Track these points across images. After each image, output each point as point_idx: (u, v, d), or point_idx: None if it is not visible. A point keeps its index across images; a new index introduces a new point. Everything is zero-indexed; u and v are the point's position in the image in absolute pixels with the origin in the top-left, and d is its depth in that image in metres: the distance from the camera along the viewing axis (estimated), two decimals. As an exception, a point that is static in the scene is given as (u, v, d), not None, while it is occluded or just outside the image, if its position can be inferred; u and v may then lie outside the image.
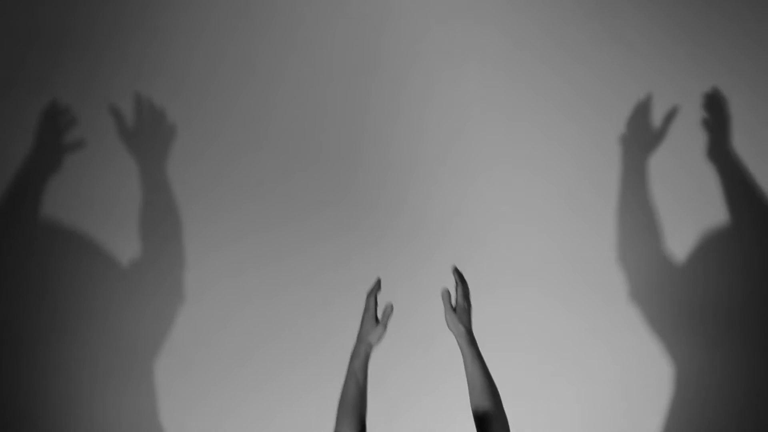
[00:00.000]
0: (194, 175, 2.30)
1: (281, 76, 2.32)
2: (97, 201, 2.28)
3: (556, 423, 2.31)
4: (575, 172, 2.31)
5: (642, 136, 2.29)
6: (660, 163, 2.31)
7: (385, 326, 1.69)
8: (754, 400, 2.29)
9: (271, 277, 2.31)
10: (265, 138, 2.32)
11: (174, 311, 2.29)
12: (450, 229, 2.31)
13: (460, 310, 1.69)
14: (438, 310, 1.79)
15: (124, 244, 2.28)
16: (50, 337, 2.27)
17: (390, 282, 2.01)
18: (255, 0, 2.31)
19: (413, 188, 2.32)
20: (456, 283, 1.73)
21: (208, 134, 2.31)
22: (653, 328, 2.29)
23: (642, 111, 2.29)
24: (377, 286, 1.74)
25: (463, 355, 1.66)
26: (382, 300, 1.80)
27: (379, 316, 1.71)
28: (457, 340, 1.67)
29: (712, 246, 2.29)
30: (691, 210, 2.30)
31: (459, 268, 1.75)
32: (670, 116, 2.29)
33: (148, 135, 2.30)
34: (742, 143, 2.29)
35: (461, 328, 1.67)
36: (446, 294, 1.70)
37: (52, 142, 2.29)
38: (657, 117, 2.30)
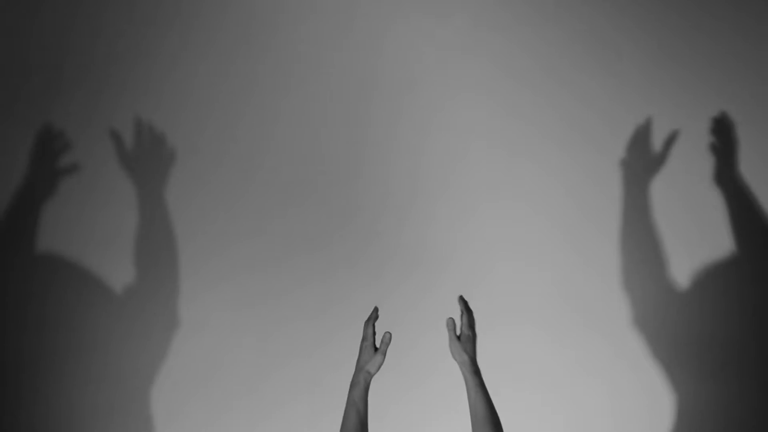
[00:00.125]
0: (195, 208, 2.31)
1: (280, 107, 2.33)
2: (97, 231, 2.29)
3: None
4: (573, 207, 2.32)
5: (640, 166, 2.31)
6: (657, 195, 2.31)
7: (383, 355, 1.68)
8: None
9: (272, 311, 2.30)
10: (263, 170, 2.32)
11: (174, 344, 2.28)
12: (449, 263, 2.31)
13: (465, 339, 1.69)
14: (437, 343, 1.82)
15: (124, 275, 2.29)
16: (50, 369, 2.28)
17: (389, 317, 2.04)
18: (255, 27, 2.34)
19: (411, 223, 2.31)
20: (461, 312, 1.74)
21: (202, 174, 2.31)
22: (652, 362, 2.29)
23: (641, 139, 2.31)
24: (375, 314, 1.74)
25: (466, 384, 1.66)
26: (381, 332, 1.79)
27: (378, 344, 1.71)
28: (461, 370, 1.67)
29: (710, 278, 2.30)
30: (689, 240, 2.30)
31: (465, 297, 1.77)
32: (669, 143, 2.31)
33: (147, 161, 2.31)
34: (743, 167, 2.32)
35: (465, 357, 1.67)
36: (451, 323, 1.71)
37: (47, 166, 2.29)
38: (657, 144, 2.32)
